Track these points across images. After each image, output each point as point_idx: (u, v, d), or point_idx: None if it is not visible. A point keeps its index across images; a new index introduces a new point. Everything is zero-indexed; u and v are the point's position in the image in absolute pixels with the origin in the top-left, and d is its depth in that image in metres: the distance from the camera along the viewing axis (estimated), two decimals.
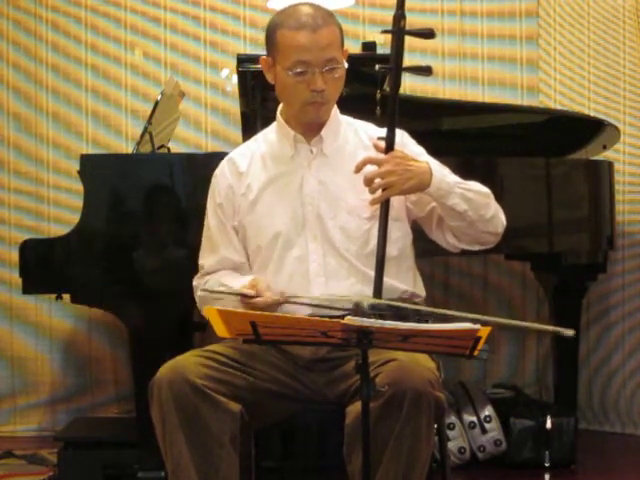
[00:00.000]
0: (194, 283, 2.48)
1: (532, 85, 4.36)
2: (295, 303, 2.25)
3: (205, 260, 2.46)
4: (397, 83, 2.24)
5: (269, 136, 2.47)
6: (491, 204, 2.35)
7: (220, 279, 2.38)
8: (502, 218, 2.38)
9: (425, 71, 2.29)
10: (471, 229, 2.33)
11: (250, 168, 2.43)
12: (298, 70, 2.28)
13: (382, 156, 2.26)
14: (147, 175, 3.16)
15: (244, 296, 2.21)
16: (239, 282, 2.30)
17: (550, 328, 1.91)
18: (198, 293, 2.45)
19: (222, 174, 2.46)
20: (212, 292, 2.29)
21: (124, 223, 3.13)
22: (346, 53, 2.35)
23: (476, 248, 2.41)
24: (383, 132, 2.29)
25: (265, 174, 2.41)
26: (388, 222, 2.23)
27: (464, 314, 1.86)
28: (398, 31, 2.22)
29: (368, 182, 2.25)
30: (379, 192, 2.24)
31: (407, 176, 2.23)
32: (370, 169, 2.27)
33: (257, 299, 2.20)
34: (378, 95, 2.25)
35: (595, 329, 4.16)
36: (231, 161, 2.46)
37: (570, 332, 1.80)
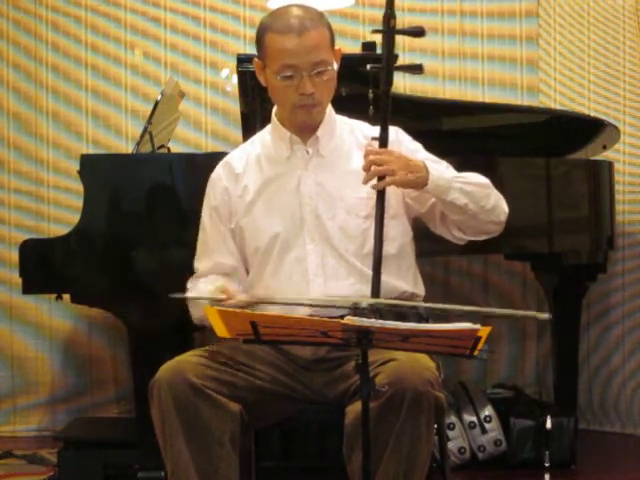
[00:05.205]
0: (188, 285, 2.48)
1: (532, 85, 4.36)
2: (271, 303, 2.26)
3: (200, 264, 2.47)
4: (389, 82, 2.24)
5: (265, 137, 2.47)
6: (491, 194, 2.34)
7: (207, 286, 2.37)
8: (504, 206, 2.38)
9: (417, 69, 2.29)
10: (474, 221, 2.33)
11: (246, 170, 2.43)
12: (285, 74, 2.27)
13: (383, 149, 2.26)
14: (147, 175, 3.16)
15: (215, 300, 2.21)
16: (210, 287, 2.31)
17: (525, 313, 1.91)
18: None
19: (218, 177, 2.46)
20: (186, 298, 2.31)
21: (124, 223, 3.13)
22: (339, 52, 2.34)
23: (482, 238, 2.41)
24: (378, 131, 2.28)
25: (261, 175, 2.41)
26: (385, 220, 2.22)
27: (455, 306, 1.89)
28: (388, 30, 2.22)
29: (367, 167, 2.23)
30: (374, 181, 2.23)
31: (407, 169, 2.23)
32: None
33: (228, 301, 2.20)
34: (370, 94, 2.25)
35: (595, 329, 4.15)
36: (227, 164, 2.46)
37: (545, 315, 1.81)
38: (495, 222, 2.37)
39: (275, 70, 2.29)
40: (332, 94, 2.36)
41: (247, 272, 2.44)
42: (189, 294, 2.35)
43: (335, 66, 2.32)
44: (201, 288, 2.36)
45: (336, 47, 2.34)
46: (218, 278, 2.40)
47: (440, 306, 1.92)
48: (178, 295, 2.26)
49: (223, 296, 2.22)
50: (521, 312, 1.90)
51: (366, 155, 2.24)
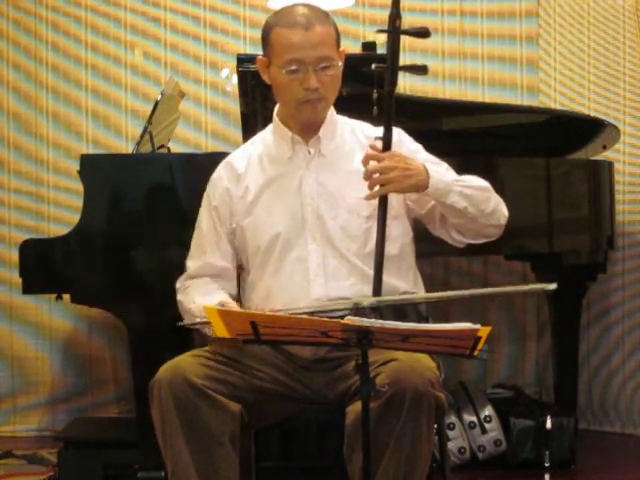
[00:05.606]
0: (177, 285, 2.49)
1: (532, 85, 4.36)
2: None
3: (191, 262, 2.48)
4: (393, 82, 2.24)
5: (266, 137, 2.47)
6: (491, 198, 2.35)
7: (194, 296, 2.37)
8: (503, 210, 2.38)
9: (421, 70, 2.30)
10: (473, 224, 2.33)
11: (248, 170, 2.42)
12: (291, 68, 2.28)
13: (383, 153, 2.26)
14: (147, 175, 3.16)
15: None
16: (209, 301, 2.25)
17: (530, 287, 1.91)
18: (178, 297, 2.47)
19: (219, 178, 2.46)
20: (191, 324, 2.31)
21: (124, 223, 3.13)
22: (343, 54, 2.35)
23: (482, 241, 2.41)
24: (380, 131, 2.29)
25: (263, 175, 2.41)
26: (387, 220, 2.23)
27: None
28: (393, 30, 2.22)
29: (368, 176, 2.25)
30: (377, 187, 2.24)
31: (407, 174, 2.23)
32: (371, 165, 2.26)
33: None
34: (374, 95, 2.25)
35: (595, 329, 4.15)
36: (228, 165, 2.46)
37: (552, 286, 1.81)
38: (495, 225, 2.37)
39: (281, 64, 2.29)
40: (337, 92, 2.37)
41: (238, 274, 2.45)
42: (195, 320, 2.30)
43: (340, 65, 2.33)
44: (199, 302, 2.31)
45: (340, 48, 2.35)
46: (209, 282, 2.42)
47: (445, 294, 1.98)
48: (185, 323, 2.32)
49: None
50: (526, 287, 1.92)
51: (365, 161, 2.25)
